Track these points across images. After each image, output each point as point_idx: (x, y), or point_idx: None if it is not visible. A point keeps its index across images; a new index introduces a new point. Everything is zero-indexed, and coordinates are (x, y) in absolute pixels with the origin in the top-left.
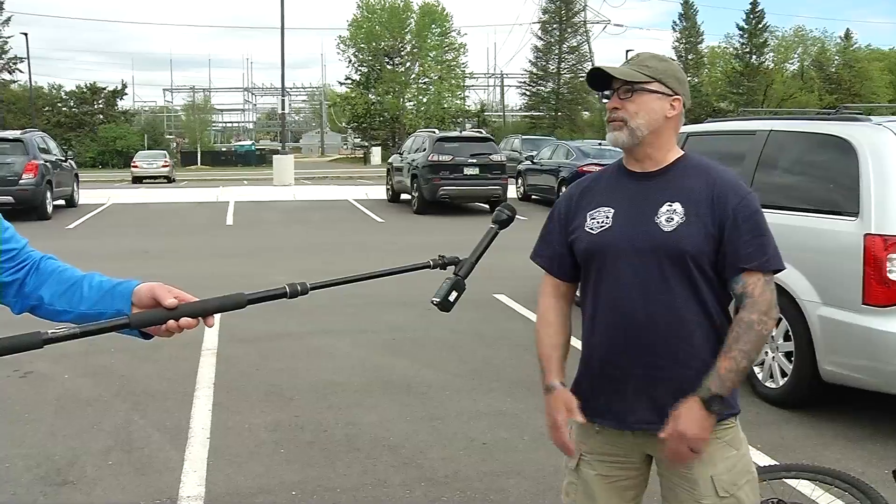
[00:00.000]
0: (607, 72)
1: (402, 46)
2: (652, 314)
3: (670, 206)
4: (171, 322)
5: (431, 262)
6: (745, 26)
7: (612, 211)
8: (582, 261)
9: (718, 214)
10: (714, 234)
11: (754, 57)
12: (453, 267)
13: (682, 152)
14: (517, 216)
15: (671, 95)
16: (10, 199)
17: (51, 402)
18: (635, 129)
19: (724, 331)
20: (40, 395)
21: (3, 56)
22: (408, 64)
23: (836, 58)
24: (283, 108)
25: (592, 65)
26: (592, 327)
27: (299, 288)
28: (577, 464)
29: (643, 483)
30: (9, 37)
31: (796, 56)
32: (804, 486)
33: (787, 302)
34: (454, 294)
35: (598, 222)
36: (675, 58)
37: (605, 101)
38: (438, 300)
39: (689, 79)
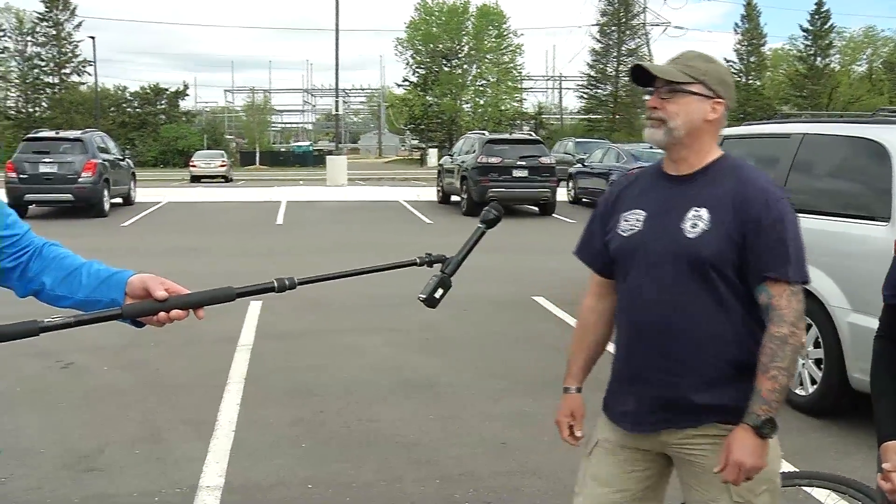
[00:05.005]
0: (649, 70)
1: (459, 48)
2: (669, 319)
3: (697, 211)
4: (162, 314)
5: (418, 260)
6: (810, 27)
7: (644, 214)
8: (615, 261)
9: (741, 220)
10: (738, 241)
11: (819, 59)
12: (440, 265)
13: (721, 153)
14: (567, 219)
15: (713, 98)
16: (69, 196)
17: (87, 392)
18: (672, 130)
19: (747, 339)
20: (77, 386)
21: (74, 60)
22: (465, 66)
23: None
24: (337, 110)
25: None
26: (619, 329)
27: (287, 282)
28: (592, 450)
29: (659, 477)
30: (79, 41)
31: (865, 57)
32: (819, 493)
33: (817, 308)
34: (440, 291)
35: (629, 224)
36: (737, 60)
37: (645, 98)
38: (425, 297)
39: (750, 82)
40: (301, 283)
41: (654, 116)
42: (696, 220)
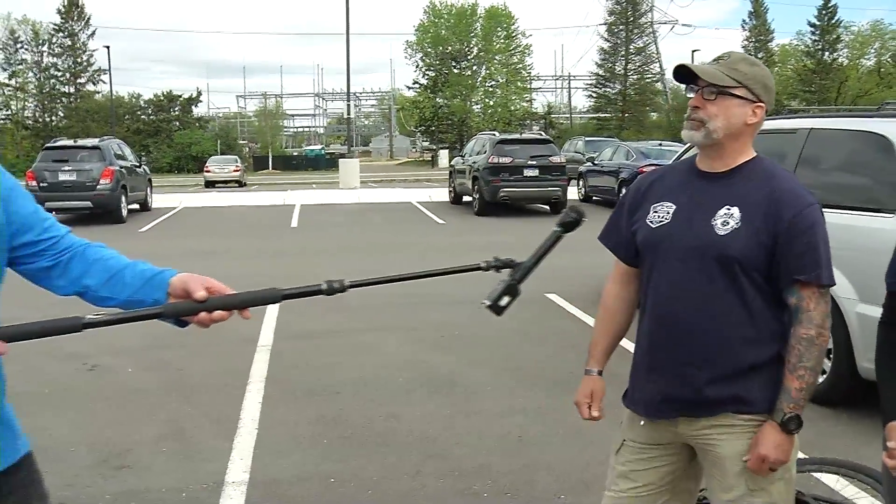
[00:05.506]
0: (694, 71)
1: (468, 50)
2: (693, 315)
3: (728, 210)
4: (203, 314)
5: (484, 264)
6: (818, 23)
7: (674, 207)
8: (641, 252)
9: (773, 225)
10: (767, 244)
11: (827, 54)
12: (509, 270)
13: (755, 155)
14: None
15: (755, 102)
16: (88, 203)
17: (113, 392)
18: (712, 132)
19: (769, 338)
20: (104, 387)
21: (89, 69)
22: (474, 67)
23: None
24: (348, 113)
25: (660, 66)
26: (642, 319)
27: (336, 285)
28: (619, 449)
29: (684, 468)
30: (94, 50)
31: (873, 51)
32: (829, 479)
33: None
34: (506, 299)
35: (658, 216)
36: None
37: (689, 95)
38: (490, 304)
39: None
40: (352, 286)
41: (695, 117)
42: (728, 218)
